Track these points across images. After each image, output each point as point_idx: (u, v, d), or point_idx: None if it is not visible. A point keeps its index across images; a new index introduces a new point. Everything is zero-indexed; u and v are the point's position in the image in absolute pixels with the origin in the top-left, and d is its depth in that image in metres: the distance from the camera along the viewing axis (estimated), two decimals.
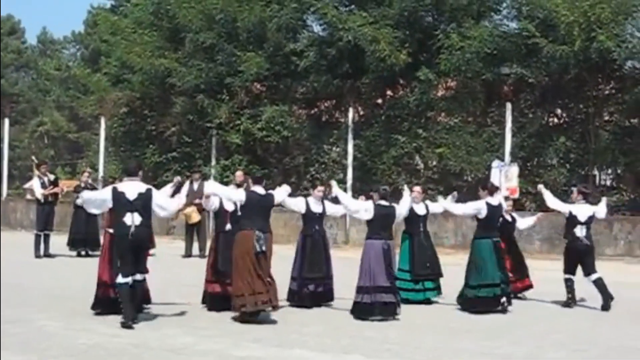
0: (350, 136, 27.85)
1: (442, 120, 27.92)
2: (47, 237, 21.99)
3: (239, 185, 20.65)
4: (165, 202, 12.56)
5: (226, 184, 24.48)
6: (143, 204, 12.08)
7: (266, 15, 28.72)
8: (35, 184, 22.47)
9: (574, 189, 16.45)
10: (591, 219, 15.66)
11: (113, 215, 12.36)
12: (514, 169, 24.96)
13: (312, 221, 14.71)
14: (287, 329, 11.96)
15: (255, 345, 10.80)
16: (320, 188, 15.22)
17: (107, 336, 11.27)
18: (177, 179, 14.06)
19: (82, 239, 22.34)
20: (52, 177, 22.76)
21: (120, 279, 11.91)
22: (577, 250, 15.42)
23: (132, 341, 10.97)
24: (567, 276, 15.36)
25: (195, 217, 22.89)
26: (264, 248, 12.44)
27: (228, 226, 13.70)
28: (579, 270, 15.33)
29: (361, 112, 29.74)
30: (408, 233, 15.38)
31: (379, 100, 29.49)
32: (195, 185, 23.30)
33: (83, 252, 22.36)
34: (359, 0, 28.76)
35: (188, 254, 22.61)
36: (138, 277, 12.07)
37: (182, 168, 29.35)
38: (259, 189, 13.05)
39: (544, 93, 26.95)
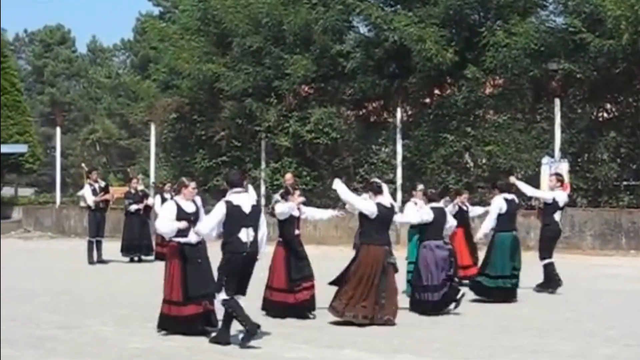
0: (398, 136, 27.84)
1: (490, 118, 27.82)
2: (99, 243, 22.20)
3: (286, 190, 20.70)
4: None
5: (277, 187, 24.64)
6: (256, 217, 11.21)
7: (312, 18, 28.75)
8: (86, 191, 22.69)
9: (553, 177, 16.78)
10: (566, 204, 16.68)
11: (225, 230, 11.13)
12: (564, 165, 24.76)
13: None
14: (337, 329, 11.99)
15: (305, 346, 10.85)
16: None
17: (159, 340, 11.39)
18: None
19: (135, 244, 22.57)
20: (102, 183, 23.00)
21: (222, 296, 10.94)
22: (557, 234, 16.38)
23: (184, 344, 11.07)
24: (549, 260, 16.01)
25: None
26: (393, 261, 12.46)
27: (297, 231, 13.54)
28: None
29: (409, 112, 29.69)
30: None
31: (427, 100, 29.42)
32: None
33: (136, 258, 22.57)
34: (404, 0, 28.73)
35: None
36: (241, 299, 11.06)
37: None
38: (384, 200, 12.72)
39: (592, 88, 26.77)
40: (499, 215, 15.04)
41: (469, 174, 27.55)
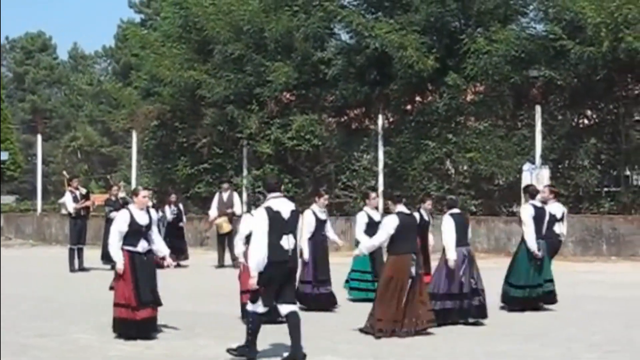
0: (380, 143, 27.85)
1: (471, 125, 27.84)
2: (80, 251, 22.15)
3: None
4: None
5: (259, 194, 24.66)
6: (295, 223, 10.64)
7: (293, 25, 28.75)
8: (67, 199, 22.66)
9: (546, 189, 16.45)
10: (564, 215, 16.34)
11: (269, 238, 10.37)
12: (545, 172, 24.85)
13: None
14: (318, 336, 11.97)
15: (287, 354, 10.84)
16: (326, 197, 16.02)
17: (140, 347, 11.40)
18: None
19: None
20: (84, 191, 22.96)
21: (258, 307, 10.41)
22: (556, 246, 16.07)
23: (164, 352, 11.09)
24: None
25: (226, 227, 22.98)
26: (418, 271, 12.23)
27: None
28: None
29: (390, 119, 29.70)
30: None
31: (408, 107, 29.41)
32: (225, 196, 23.41)
33: None
34: (385, 7, 28.81)
35: (220, 264, 22.68)
36: (294, 307, 10.55)
37: (214, 179, 29.53)
38: (404, 208, 12.51)
39: (573, 95, 26.84)
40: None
41: (450, 180, 27.59)
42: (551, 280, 14.73)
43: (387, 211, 13.33)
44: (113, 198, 22.94)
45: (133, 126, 33.22)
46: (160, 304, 12.23)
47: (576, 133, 26.71)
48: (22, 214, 37.28)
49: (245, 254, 12.36)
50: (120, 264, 11.91)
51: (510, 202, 26.87)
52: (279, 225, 10.31)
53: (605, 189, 27.10)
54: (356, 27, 27.75)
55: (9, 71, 75.41)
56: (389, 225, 12.17)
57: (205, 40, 30.70)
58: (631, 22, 24.24)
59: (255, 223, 10.49)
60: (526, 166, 25.03)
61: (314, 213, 15.24)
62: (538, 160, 25.36)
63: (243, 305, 13.09)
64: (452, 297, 13.18)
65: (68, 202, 22.52)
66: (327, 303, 14.85)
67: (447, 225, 13.29)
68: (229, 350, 10.53)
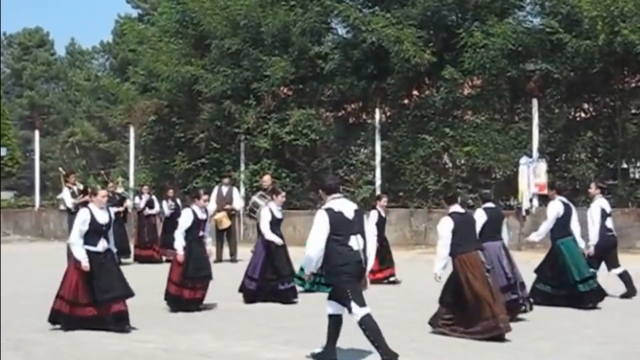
0: (377, 137, 27.91)
1: (468, 119, 27.87)
2: None
3: (266, 190, 20.97)
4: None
5: (257, 189, 24.70)
6: (361, 223, 10.18)
7: (290, 20, 28.79)
8: (65, 194, 22.65)
9: (592, 184, 16.46)
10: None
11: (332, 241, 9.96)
12: (542, 165, 24.90)
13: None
14: (316, 330, 11.97)
15: (283, 348, 10.91)
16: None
17: (137, 342, 11.43)
18: None
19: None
20: (81, 186, 22.97)
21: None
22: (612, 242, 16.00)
23: (161, 346, 11.12)
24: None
25: (226, 222, 23.07)
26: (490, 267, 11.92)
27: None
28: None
29: (388, 113, 29.70)
30: None
31: (405, 101, 29.44)
32: (225, 191, 23.45)
33: None
34: (382, 1, 28.82)
35: (219, 259, 22.70)
36: (367, 310, 9.95)
37: (211, 174, 29.57)
38: (459, 208, 12.12)
39: (569, 88, 26.88)
40: (557, 220, 14.46)
41: (448, 174, 27.66)
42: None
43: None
44: (110, 194, 22.93)
45: (131, 121, 33.28)
46: (130, 295, 12.45)
47: (573, 126, 26.73)
48: (21, 210, 37.37)
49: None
50: (85, 262, 12.08)
51: (507, 196, 26.89)
52: (344, 227, 9.95)
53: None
54: (353, 21, 27.78)
55: (7, 67, 75.34)
56: (445, 229, 11.73)
57: (202, 35, 30.75)
58: (627, 15, 24.25)
59: (315, 224, 10.05)
60: (523, 159, 25.07)
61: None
62: (535, 153, 25.40)
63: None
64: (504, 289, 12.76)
65: (66, 198, 22.50)
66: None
67: (479, 220, 12.88)
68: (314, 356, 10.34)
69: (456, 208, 12.03)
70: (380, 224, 17.11)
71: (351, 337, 10.38)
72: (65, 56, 76.14)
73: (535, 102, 25.82)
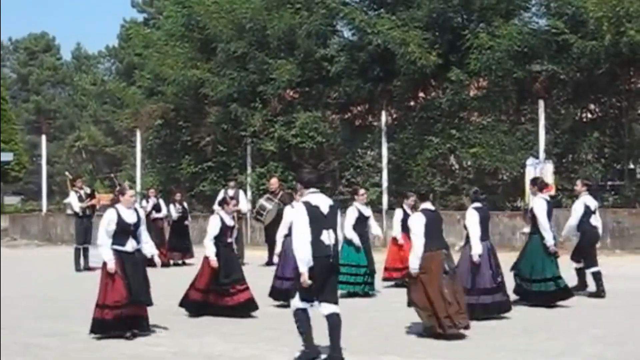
0: (384, 139, 27.89)
1: (475, 120, 27.87)
2: (86, 250, 22.15)
3: (273, 193, 21.00)
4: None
5: (264, 192, 24.71)
6: (334, 218, 10.35)
7: (296, 22, 28.78)
8: (72, 198, 22.72)
9: (578, 182, 16.70)
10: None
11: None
12: (549, 166, 24.88)
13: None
14: (325, 333, 11.99)
15: (293, 351, 10.89)
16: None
17: (147, 345, 11.46)
18: None
19: None
20: (88, 190, 23.04)
21: (296, 303, 10.24)
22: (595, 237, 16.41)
23: (171, 350, 11.14)
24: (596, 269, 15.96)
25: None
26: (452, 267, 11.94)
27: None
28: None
29: (394, 115, 29.73)
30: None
31: (412, 103, 29.45)
32: (231, 193, 23.44)
33: None
34: (388, 3, 28.86)
35: None
36: (335, 308, 10.23)
37: (218, 177, 29.60)
38: (430, 205, 12.17)
39: (576, 89, 26.88)
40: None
41: (454, 176, 27.66)
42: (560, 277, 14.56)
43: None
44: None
45: (137, 125, 33.28)
46: (150, 304, 12.30)
47: (579, 127, 26.72)
48: (27, 215, 37.40)
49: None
50: (111, 264, 11.92)
51: (514, 197, 26.89)
52: (318, 221, 10.07)
53: (609, 183, 27.12)
54: (358, 23, 27.80)
55: (13, 72, 75.48)
56: (417, 225, 11.76)
57: (208, 38, 30.75)
58: (633, 16, 24.23)
59: (296, 218, 10.27)
60: (530, 161, 25.06)
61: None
62: (542, 154, 25.38)
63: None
64: (486, 291, 13.01)
65: (73, 202, 22.57)
66: None
67: (472, 219, 13.06)
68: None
69: (427, 205, 12.12)
70: (406, 221, 16.84)
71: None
72: (71, 61, 76.23)
73: (541, 103, 25.81)
